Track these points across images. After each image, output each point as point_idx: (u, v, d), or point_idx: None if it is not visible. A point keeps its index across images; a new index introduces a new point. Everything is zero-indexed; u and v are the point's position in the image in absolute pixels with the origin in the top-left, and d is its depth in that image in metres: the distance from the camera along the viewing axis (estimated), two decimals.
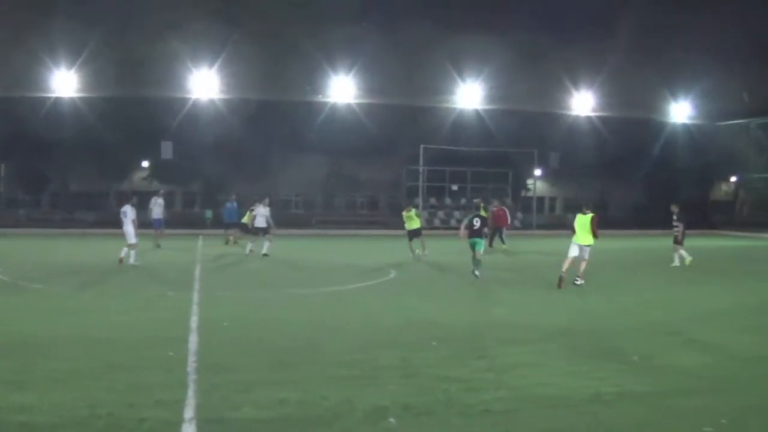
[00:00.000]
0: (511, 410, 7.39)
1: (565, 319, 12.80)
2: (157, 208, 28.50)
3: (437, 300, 15.21)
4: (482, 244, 18.46)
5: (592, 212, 16.49)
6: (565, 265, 16.18)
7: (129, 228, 20.49)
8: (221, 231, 31.60)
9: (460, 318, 12.79)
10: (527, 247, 30.62)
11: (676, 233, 22.68)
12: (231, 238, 29.69)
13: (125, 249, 20.46)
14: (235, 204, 30.47)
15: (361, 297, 15.66)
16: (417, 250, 23.62)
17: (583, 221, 16.23)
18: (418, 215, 24.38)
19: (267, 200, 25.35)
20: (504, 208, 30.03)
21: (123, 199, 25.99)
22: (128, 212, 20.82)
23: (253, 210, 25.47)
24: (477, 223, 18.20)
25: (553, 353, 10.01)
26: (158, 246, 26.85)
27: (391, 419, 6.94)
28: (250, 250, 24.63)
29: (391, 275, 19.77)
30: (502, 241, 28.24)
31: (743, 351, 10.37)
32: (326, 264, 23.17)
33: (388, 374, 8.61)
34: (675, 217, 22.83)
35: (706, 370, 9.32)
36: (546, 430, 6.87)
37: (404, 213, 23.89)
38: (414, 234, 23.49)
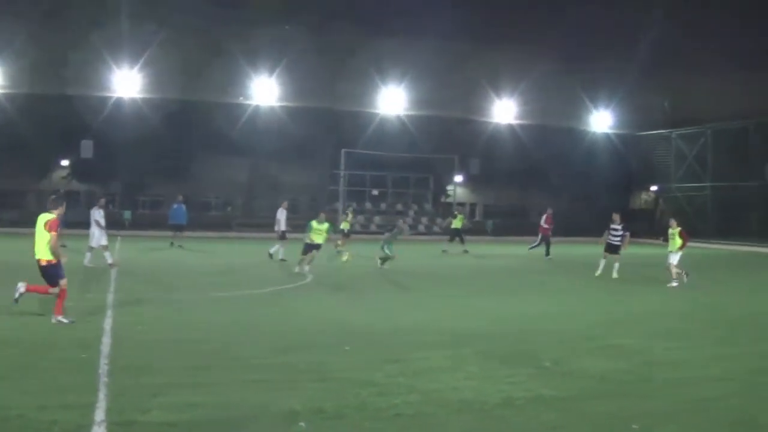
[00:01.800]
0: (422, 414, 8.21)
1: (481, 323, 14.37)
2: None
3: (354, 304, 16.89)
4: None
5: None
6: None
7: (93, 230, 23.05)
8: (140, 232, 36.17)
9: (376, 322, 14.27)
10: (452, 251, 34.64)
11: (616, 242, 24.78)
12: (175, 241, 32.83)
13: (106, 254, 23.00)
14: (183, 206, 33.86)
15: (279, 300, 17.16)
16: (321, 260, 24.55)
17: None
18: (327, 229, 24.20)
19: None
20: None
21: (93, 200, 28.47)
22: (94, 214, 23.18)
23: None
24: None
25: (467, 358, 11.11)
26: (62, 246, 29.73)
27: (302, 423, 7.71)
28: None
29: (309, 279, 21.72)
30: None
31: (655, 356, 11.71)
32: (245, 267, 25.38)
33: (301, 378, 9.56)
34: (619, 226, 24.93)
35: (618, 375, 10.40)
36: None
37: (315, 222, 23.76)
38: (314, 248, 23.39)
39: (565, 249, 38.99)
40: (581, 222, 46.81)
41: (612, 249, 24.93)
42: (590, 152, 57.89)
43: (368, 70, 50.71)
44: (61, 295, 12.64)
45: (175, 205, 34.04)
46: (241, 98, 49.46)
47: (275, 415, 8.04)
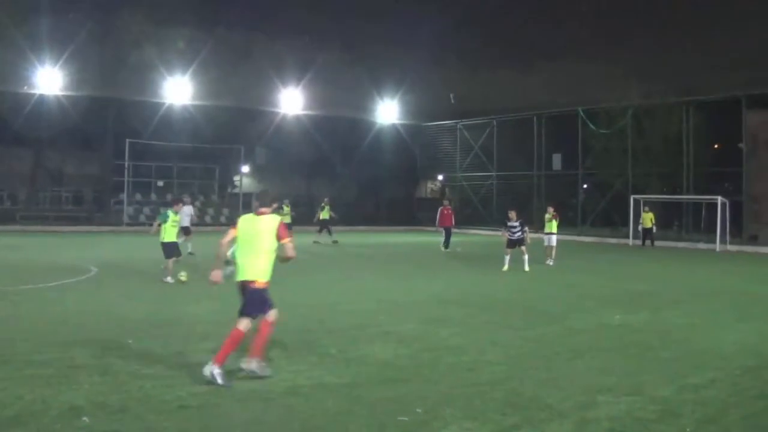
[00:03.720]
0: (207, 405, 9.41)
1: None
2: None
3: (136, 297, 18.90)
4: None
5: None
6: None
7: None
8: None
9: (157, 315, 16.15)
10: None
11: (517, 237, 28.51)
12: None
13: None
14: None
15: (61, 295, 19.15)
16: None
17: None
18: None
19: None
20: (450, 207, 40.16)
21: None
22: None
23: None
24: None
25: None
26: None
27: (85, 418, 8.74)
28: None
29: (92, 272, 24.20)
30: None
31: (438, 341, 13.93)
32: (27, 261, 27.71)
33: (83, 373, 10.82)
34: (516, 222, 28.65)
35: (401, 360, 12.27)
36: (242, 422, 8.90)
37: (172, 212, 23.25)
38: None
39: (350, 238, 46.07)
40: (367, 211, 53.30)
41: (513, 244, 28.69)
42: (377, 142, 70.41)
43: (153, 59, 58.49)
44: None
45: None
46: (26, 87, 56.06)
47: (57, 410, 9.01)
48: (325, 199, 44.13)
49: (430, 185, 78.59)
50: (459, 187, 70.53)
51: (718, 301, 20.93)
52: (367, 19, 61.37)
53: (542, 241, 32.77)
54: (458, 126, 69.71)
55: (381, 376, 11.13)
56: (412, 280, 24.95)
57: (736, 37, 60.82)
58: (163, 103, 59.94)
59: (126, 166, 57.48)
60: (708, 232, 48.72)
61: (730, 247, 43.69)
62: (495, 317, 16.97)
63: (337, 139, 66.11)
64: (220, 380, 10.18)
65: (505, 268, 27.85)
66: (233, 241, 10.99)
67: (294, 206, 50.04)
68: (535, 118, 62.43)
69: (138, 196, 60.45)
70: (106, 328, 14.51)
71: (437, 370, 11.56)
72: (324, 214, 42.63)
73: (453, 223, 39.60)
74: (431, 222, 64.51)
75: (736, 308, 18.06)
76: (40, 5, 53.57)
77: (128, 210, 57.29)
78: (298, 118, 65.86)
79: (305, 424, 8.89)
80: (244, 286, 10.90)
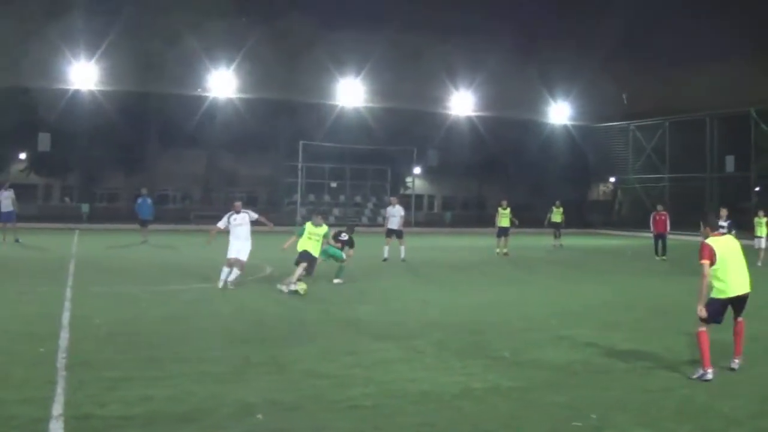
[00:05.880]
0: (378, 405, 9.53)
1: (435, 315, 16.67)
2: (5, 200, 33.40)
3: (309, 296, 19.04)
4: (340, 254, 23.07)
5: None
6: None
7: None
8: (97, 225, 42.39)
9: (331, 315, 16.64)
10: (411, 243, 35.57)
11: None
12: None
13: None
14: (148, 200, 37.18)
15: (236, 293, 19.66)
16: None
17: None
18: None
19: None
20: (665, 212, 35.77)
21: None
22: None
23: None
24: (344, 237, 23.29)
25: (422, 349, 12.96)
26: (16, 240, 33.33)
27: (259, 415, 8.99)
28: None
29: (267, 271, 24.58)
30: (656, 251, 34.98)
31: (611, 347, 13.65)
32: (202, 259, 27.33)
33: (256, 370, 11.18)
34: (725, 222, 27.20)
35: (575, 365, 12.04)
36: (413, 424, 8.84)
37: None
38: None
39: (528, 241, 44.27)
40: (539, 214, 52.75)
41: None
42: (548, 144, 68.52)
43: (325, 62, 58.60)
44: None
45: (140, 200, 37.04)
46: (199, 90, 57.58)
47: (230, 407, 9.25)
48: (557, 202, 42.12)
49: (602, 187, 76.82)
50: (631, 190, 68.78)
51: None
52: (538, 18, 60.28)
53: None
54: (630, 127, 67.86)
55: (554, 381, 11.02)
56: (583, 283, 24.70)
57: None
58: (336, 105, 60.37)
59: (299, 167, 58.19)
60: None
61: None
62: (666, 323, 16.30)
63: (509, 140, 64.99)
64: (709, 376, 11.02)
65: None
66: None
67: (468, 207, 49.20)
68: (707, 118, 60.59)
69: (311, 197, 60.76)
70: (280, 326, 14.97)
71: (611, 376, 11.48)
72: (556, 217, 41.20)
73: (667, 229, 35.37)
74: (604, 225, 63.50)
75: None
76: (215, 12, 54.67)
77: (301, 210, 57.08)
78: (469, 119, 65.25)
79: (477, 427, 8.88)
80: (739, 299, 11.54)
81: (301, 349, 12.53)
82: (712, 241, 11.35)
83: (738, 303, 11.46)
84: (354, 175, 63.51)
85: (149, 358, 11.69)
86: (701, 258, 11.16)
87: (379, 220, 58.27)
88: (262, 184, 63.18)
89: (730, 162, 60.19)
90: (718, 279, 11.26)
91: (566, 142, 68.94)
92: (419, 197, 64.51)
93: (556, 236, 41.13)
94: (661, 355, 12.84)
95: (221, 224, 20.72)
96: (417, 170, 66.39)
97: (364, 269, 24.34)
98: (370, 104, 61.10)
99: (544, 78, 65.56)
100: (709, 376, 10.92)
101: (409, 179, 66.85)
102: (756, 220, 32.78)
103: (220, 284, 19.85)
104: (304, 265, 20.60)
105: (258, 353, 12.11)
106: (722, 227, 25.58)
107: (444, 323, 15.49)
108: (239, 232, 20.47)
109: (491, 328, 15.17)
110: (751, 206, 54.15)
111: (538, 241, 43.98)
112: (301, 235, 21.27)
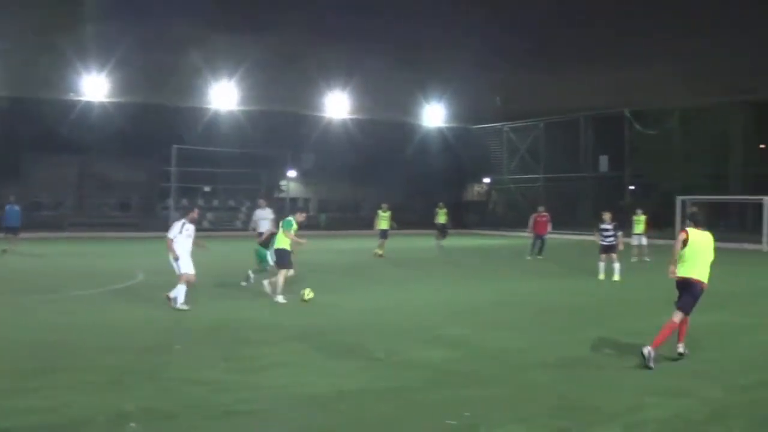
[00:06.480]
0: (255, 411, 9.52)
1: (312, 318, 16.78)
2: None
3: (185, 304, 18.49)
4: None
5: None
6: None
7: None
8: None
9: (205, 320, 16.49)
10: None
11: (609, 242, 26.15)
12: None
13: None
14: (16, 207, 36.16)
15: (109, 301, 19.52)
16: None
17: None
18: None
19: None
20: (546, 214, 36.90)
21: None
22: None
23: None
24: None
25: (299, 352, 13.12)
26: None
27: (132, 424, 8.87)
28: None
29: (139, 278, 24.70)
30: (531, 250, 36.08)
31: (487, 345, 14.01)
32: (77, 267, 28.32)
33: (132, 378, 11.04)
34: (610, 225, 26.39)
35: (451, 364, 12.26)
36: (290, 429, 8.98)
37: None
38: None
39: (406, 242, 44.79)
40: (415, 215, 53.46)
41: (605, 250, 26.38)
42: (423, 146, 69.86)
43: (199, 65, 59.20)
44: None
45: (8, 207, 36.24)
46: (71, 94, 57.18)
47: (106, 417, 9.10)
48: (440, 203, 42.40)
49: (476, 188, 78.01)
50: (506, 190, 70.72)
51: (767, 301, 21.10)
52: (412, 23, 61.27)
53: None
54: (504, 128, 69.70)
55: (429, 380, 11.14)
56: (460, 283, 24.94)
57: None
58: (210, 109, 60.52)
59: (172, 171, 57.96)
60: (754, 232, 48.22)
61: None
62: (546, 320, 17.07)
63: (384, 143, 65.71)
64: (651, 363, 11.83)
65: (601, 276, 25.91)
66: None
67: (343, 210, 49.38)
68: (581, 119, 62.51)
69: (184, 202, 59.74)
70: (154, 333, 14.73)
71: (487, 374, 11.71)
72: (440, 218, 41.45)
73: (548, 230, 36.68)
74: (479, 225, 64.69)
75: None
76: (87, 14, 54.03)
77: (174, 215, 53.89)
78: (344, 122, 66.08)
79: (351, 429, 8.98)
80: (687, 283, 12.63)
81: (177, 357, 12.54)
82: (692, 230, 12.78)
83: (686, 289, 12.53)
84: (228, 179, 63.27)
85: (26, 368, 11.57)
86: (680, 234, 12.76)
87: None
88: (136, 190, 62.54)
89: (603, 162, 62.27)
90: (682, 260, 12.62)
91: (441, 144, 70.32)
92: (294, 200, 64.64)
93: (439, 237, 41.31)
94: (538, 352, 13.24)
95: (173, 234, 18.31)
96: (292, 173, 66.93)
97: (239, 274, 23.60)
98: (245, 107, 61.31)
99: (419, 81, 66.59)
100: (646, 351, 11.82)
101: (283, 182, 67.17)
102: (635, 218, 35.26)
103: (186, 307, 17.68)
104: (291, 272, 20.38)
105: (135, 361, 12.11)
106: (607, 230, 26.34)
107: (321, 326, 15.69)
108: (188, 245, 18.59)
109: (369, 329, 15.44)
110: (625, 205, 56.01)
111: (416, 242, 44.55)
112: (288, 228, 20.03)
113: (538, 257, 35.23)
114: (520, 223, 62.04)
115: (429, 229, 43.72)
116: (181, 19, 59.00)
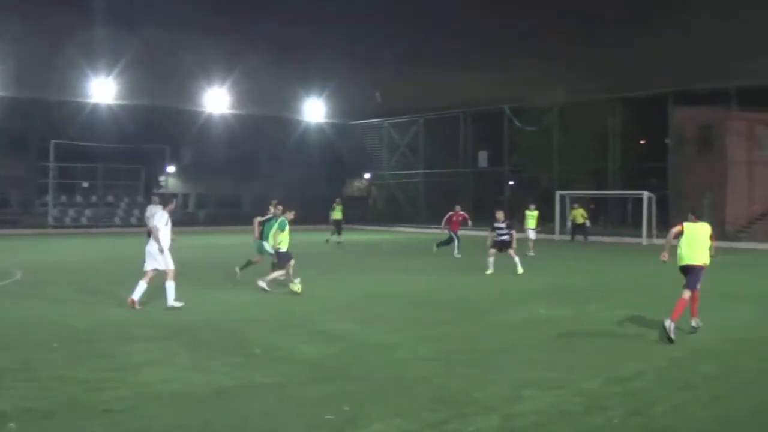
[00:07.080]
0: (132, 408, 9.44)
1: (191, 315, 16.54)
2: None
3: (60, 301, 18.59)
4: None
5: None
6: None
7: None
8: None
9: (81, 318, 16.16)
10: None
11: (504, 239, 26.68)
12: None
13: None
14: None
15: None
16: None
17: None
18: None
19: None
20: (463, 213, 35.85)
21: None
22: None
23: None
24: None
25: (176, 350, 12.98)
26: None
27: (11, 424, 8.66)
28: None
29: (17, 276, 23.98)
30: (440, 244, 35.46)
31: (368, 340, 14.20)
32: None
33: (7, 378, 10.80)
34: (503, 224, 26.86)
35: (329, 359, 12.45)
36: (167, 426, 8.85)
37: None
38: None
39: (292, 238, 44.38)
40: (297, 210, 54.03)
41: (499, 246, 26.86)
42: (303, 141, 70.63)
43: (78, 59, 58.04)
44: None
45: None
46: None
47: None
48: (337, 199, 44.38)
49: (357, 183, 79.12)
50: (386, 185, 72.11)
51: (644, 294, 21.29)
52: (292, 19, 61.77)
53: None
54: (384, 124, 70.98)
55: (307, 375, 11.23)
56: (340, 278, 25.12)
57: (662, 34, 62.29)
58: (89, 104, 59.85)
59: (51, 167, 57.35)
60: (634, 226, 50.02)
61: (657, 241, 43.53)
62: (425, 314, 17.25)
63: (264, 138, 66.41)
64: (672, 334, 13.65)
65: (489, 271, 26.23)
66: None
67: (223, 206, 49.00)
68: (461, 115, 63.95)
69: (63, 198, 59.84)
70: (30, 331, 14.52)
71: (364, 368, 11.77)
72: (336, 214, 42.43)
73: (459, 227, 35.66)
74: (359, 220, 65.31)
75: (662, 301, 17.76)
76: None
77: (53, 212, 56.94)
78: (224, 117, 66.23)
79: (230, 426, 8.94)
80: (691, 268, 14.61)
81: (52, 355, 12.29)
82: (687, 224, 14.76)
83: (690, 272, 14.58)
84: (106, 175, 62.54)
85: None
86: (676, 226, 14.74)
87: (133, 220, 58.90)
88: (15, 186, 60.87)
89: (483, 157, 64.25)
90: (684, 249, 14.67)
91: (322, 140, 71.03)
92: (174, 196, 62.67)
93: (334, 233, 42.23)
94: (416, 346, 13.40)
95: (161, 223, 17.36)
96: (171, 169, 66.73)
97: (115, 272, 23.51)
98: (124, 101, 60.72)
99: (299, 76, 66.73)
100: (667, 324, 13.67)
101: (162, 178, 66.66)
102: (527, 213, 36.96)
103: (178, 304, 17.15)
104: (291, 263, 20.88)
105: (8, 360, 11.83)
106: (501, 228, 26.76)
107: (200, 322, 15.56)
108: (169, 238, 17.66)
109: (248, 325, 15.42)
110: (504, 200, 57.32)
111: (298, 237, 43.23)
112: (283, 229, 20.46)
113: (440, 249, 34.58)
114: (399, 219, 63.74)
115: (309, 224, 44.50)
116: (59, 10, 58.51)
